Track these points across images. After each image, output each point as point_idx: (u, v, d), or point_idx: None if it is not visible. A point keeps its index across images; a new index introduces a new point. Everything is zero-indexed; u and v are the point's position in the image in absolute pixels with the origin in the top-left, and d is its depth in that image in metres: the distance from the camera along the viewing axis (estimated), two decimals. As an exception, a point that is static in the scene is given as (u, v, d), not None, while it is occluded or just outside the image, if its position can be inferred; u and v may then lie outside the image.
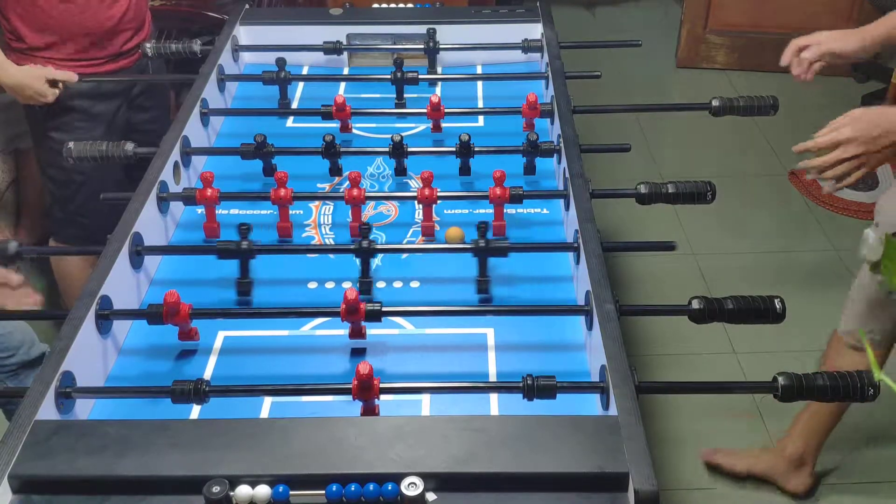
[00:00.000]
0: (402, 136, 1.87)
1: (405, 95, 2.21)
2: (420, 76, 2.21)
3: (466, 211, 1.85)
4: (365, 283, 1.61)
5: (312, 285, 1.66)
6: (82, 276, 2.44)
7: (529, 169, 1.92)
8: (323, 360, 1.49)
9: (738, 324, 1.40)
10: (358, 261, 1.61)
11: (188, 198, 1.75)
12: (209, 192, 1.73)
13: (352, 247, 1.60)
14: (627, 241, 3.05)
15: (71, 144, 1.84)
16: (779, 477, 2.32)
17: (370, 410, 1.30)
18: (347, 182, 1.76)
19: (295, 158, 1.92)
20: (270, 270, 1.67)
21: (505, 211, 1.75)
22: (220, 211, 1.83)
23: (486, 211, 1.81)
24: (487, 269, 1.61)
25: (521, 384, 1.29)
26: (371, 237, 1.60)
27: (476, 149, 1.87)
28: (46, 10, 2.16)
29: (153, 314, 1.45)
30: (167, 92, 2.70)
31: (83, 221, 2.38)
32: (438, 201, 1.74)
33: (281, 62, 2.22)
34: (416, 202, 1.77)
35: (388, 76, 2.19)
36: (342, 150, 1.90)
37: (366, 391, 1.28)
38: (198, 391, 1.29)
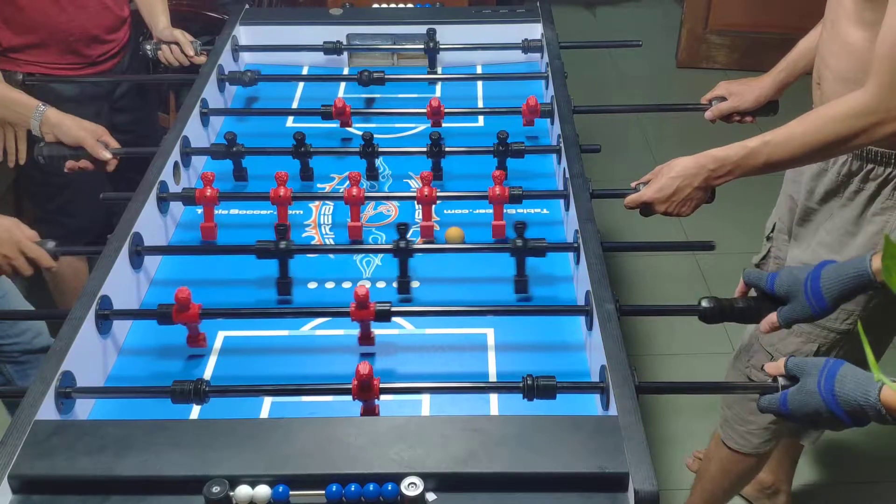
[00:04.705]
0: (372, 135, 1.87)
1: (405, 96, 2.22)
2: (417, 76, 2.21)
3: (466, 211, 1.85)
4: (403, 283, 1.61)
5: (312, 285, 1.66)
6: (73, 275, 2.43)
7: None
8: (323, 360, 1.49)
9: (748, 323, 1.39)
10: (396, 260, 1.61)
11: (187, 198, 1.75)
12: (209, 191, 1.73)
13: (390, 246, 1.60)
14: (629, 241, 3.05)
15: (42, 147, 1.85)
16: (754, 501, 2.32)
17: (370, 410, 1.30)
18: (347, 182, 1.76)
19: (291, 158, 1.92)
20: (270, 270, 1.67)
21: (505, 210, 1.75)
22: (220, 211, 1.83)
23: (485, 211, 1.82)
24: (525, 269, 1.61)
25: (521, 384, 1.29)
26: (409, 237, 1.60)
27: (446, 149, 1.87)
28: (32, 16, 2.15)
29: (163, 314, 1.44)
30: (152, 93, 2.69)
31: (64, 221, 2.37)
32: (438, 201, 1.74)
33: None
34: (415, 202, 1.76)
35: (392, 76, 2.19)
36: (341, 150, 1.91)
37: (366, 391, 1.28)
38: (198, 391, 1.29)
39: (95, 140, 1.83)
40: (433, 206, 1.74)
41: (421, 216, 1.78)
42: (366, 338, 1.47)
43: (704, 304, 1.39)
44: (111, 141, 1.86)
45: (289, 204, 1.74)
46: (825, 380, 1.15)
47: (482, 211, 1.83)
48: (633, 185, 1.67)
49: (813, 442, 1.97)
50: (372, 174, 1.93)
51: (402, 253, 1.59)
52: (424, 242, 1.74)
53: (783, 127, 1.53)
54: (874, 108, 1.42)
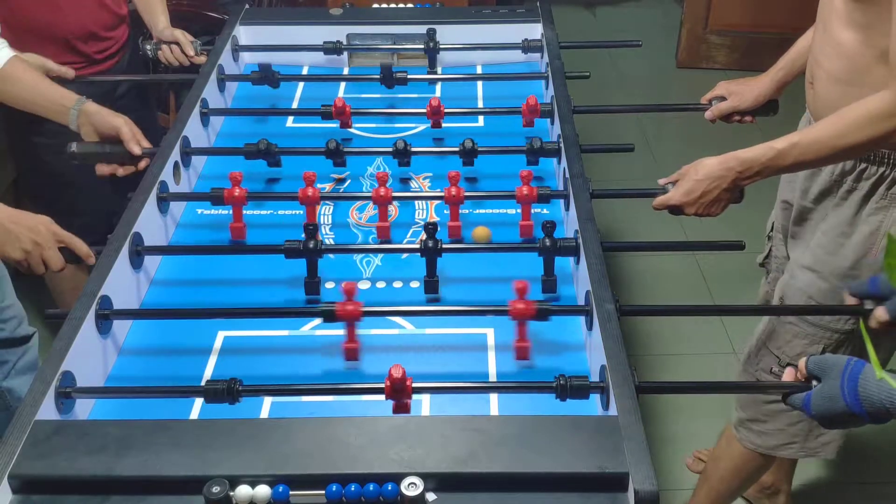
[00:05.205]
0: (405, 143, 1.87)
1: (405, 95, 2.22)
2: (417, 76, 2.21)
3: (467, 211, 1.85)
4: (431, 283, 1.60)
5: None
6: (73, 275, 2.43)
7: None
8: (323, 360, 1.49)
9: None
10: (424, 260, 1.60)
11: (216, 198, 1.74)
12: (237, 192, 1.73)
13: (416, 246, 1.60)
14: (629, 241, 3.05)
15: (74, 146, 1.84)
16: (754, 501, 2.32)
17: (402, 408, 1.29)
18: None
19: (296, 158, 1.92)
20: (271, 270, 1.67)
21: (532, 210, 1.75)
22: (220, 211, 1.83)
23: (492, 211, 1.82)
24: (553, 269, 1.61)
25: (553, 384, 1.28)
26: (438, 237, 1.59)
27: (479, 149, 1.87)
28: (29, 15, 2.14)
29: (327, 312, 1.43)
30: (152, 93, 2.69)
31: (70, 221, 2.37)
32: (465, 200, 1.73)
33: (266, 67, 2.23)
34: (418, 202, 1.76)
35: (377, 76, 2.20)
36: (344, 150, 1.91)
37: (398, 393, 1.27)
38: (231, 391, 1.28)
39: (132, 132, 1.83)
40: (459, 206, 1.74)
41: (450, 217, 1.76)
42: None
43: (869, 305, 1.38)
44: (144, 140, 1.86)
45: (317, 203, 1.74)
46: (848, 382, 1.16)
47: (495, 211, 1.84)
48: (660, 182, 1.67)
49: (835, 453, 1.94)
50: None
51: (430, 252, 1.59)
52: (452, 242, 1.74)
53: (810, 128, 1.54)
54: None
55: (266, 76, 2.19)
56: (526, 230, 1.74)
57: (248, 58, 2.42)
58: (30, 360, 1.91)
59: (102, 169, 1.87)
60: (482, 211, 1.84)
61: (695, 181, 1.60)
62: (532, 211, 1.84)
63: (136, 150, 1.83)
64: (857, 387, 1.14)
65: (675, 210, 1.65)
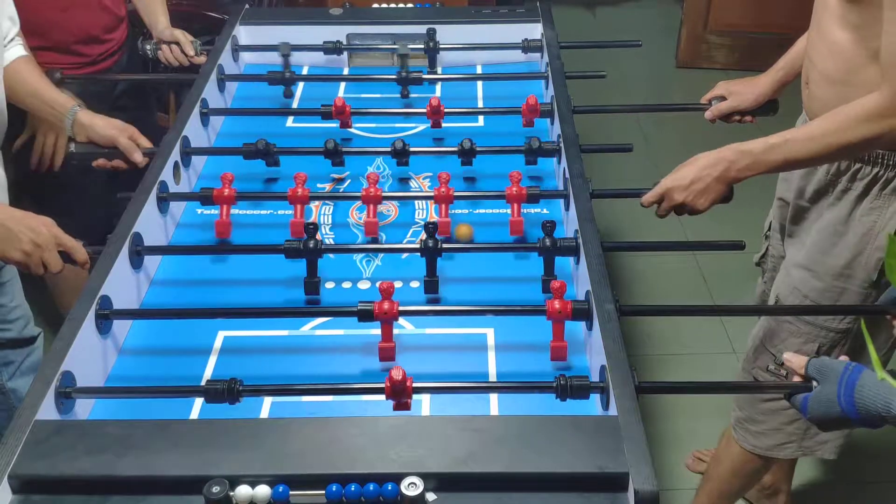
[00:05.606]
0: (403, 143, 1.87)
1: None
2: (421, 76, 2.21)
3: (466, 211, 1.85)
4: (431, 283, 1.61)
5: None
6: (73, 275, 2.43)
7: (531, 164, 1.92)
8: (323, 359, 1.49)
9: None
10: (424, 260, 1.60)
11: (206, 197, 1.75)
12: (227, 191, 1.73)
13: (416, 246, 1.59)
14: (629, 241, 3.05)
15: (73, 147, 1.84)
16: (755, 501, 2.32)
17: (402, 406, 1.30)
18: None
19: (295, 158, 1.93)
20: (271, 270, 1.67)
21: (523, 209, 1.74)
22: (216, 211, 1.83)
23: (489, 211, 1.82)
24: (553, 269, 1.60)
25: (553, 384, 1.28)
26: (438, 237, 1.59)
27: (477, 149, 1.87)
28: (32, 18, 2.14)
29: (364, 312, 1.42)
30: (151, 93, 2.69)
31: (64, 221, 2.38)
32: (454, 200, 1.74)
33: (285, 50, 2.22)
34: (418, 202, 1.76)
35: (393, 76, 2.21)
36: (343, 150, 1.90)
37: (399, 394, 1.28)
38: (231, 391, 1.28)
39: (128, 139, 1.83)
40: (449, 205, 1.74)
41: (440, 215, 1.76)
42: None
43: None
44: (142, 140, 1.86)
45: (306, 203, 1.74)
46: (845, 388, 1.16)
47: (492, 211, 1.84)
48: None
49: (835, 453, 1.95)
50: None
51: (430, 252, 1.59)
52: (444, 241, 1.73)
53: (805, 126, 1.55)
54: (893, 111, 1.43)
55: (280, 77, 2.20)
56: (516, 227, 1.73)
57: (248, 58, 2.42)
58: (35, 361, 1.92)
59: (100, 162, 1.87)
60: (480, 211, 1.84)
61: (687, 168, 1.61)
62: (532, 211, 1.84)
63: (139, 159, 1.82)
64: (854, 393, 1.15)
65: (664, 202, 1.63)
